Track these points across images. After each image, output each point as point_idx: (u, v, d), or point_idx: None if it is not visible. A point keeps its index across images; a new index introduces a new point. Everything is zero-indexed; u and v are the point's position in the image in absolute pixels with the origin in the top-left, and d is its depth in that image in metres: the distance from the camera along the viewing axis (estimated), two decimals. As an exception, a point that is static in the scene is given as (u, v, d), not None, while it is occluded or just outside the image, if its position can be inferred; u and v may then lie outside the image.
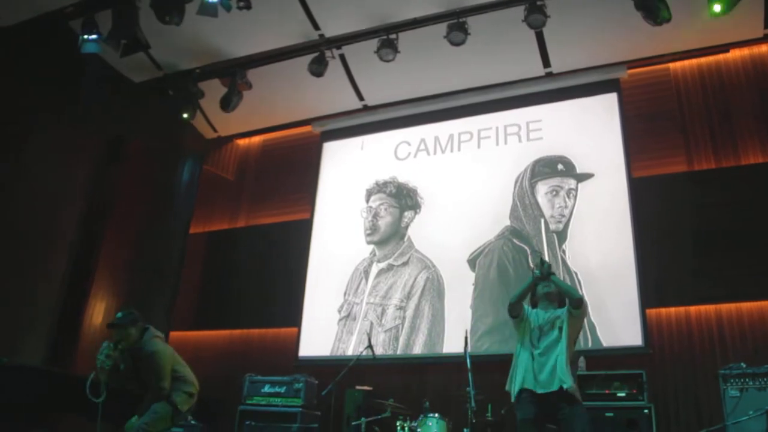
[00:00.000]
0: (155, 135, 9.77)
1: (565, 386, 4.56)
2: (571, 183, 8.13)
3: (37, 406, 6.19)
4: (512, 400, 4.85)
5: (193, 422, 7.32)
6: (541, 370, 4.70)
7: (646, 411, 6.18)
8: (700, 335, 6.98)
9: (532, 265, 7.70)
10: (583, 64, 8.54)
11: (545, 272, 5.03)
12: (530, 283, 5.09)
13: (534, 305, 5.11)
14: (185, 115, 9.22)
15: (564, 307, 4.99)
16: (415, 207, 8.99)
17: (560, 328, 4.80)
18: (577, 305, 4.86)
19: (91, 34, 7.78)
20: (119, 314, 5.44)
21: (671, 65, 8.31)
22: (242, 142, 10.88)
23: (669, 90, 8.20)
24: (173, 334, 9.44)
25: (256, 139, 10.78)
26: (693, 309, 7.12)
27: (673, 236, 7.40)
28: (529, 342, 4.87)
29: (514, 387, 4.81)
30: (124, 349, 5.37)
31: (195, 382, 5.70)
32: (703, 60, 8.21)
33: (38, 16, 8.08)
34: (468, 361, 6.10)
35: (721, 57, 8.13)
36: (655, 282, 7.29)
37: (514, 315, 5.06)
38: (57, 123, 8.37)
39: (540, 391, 4.64)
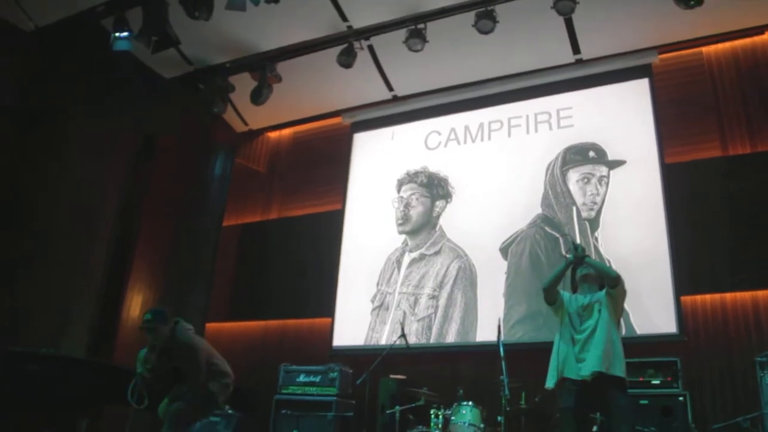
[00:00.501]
0: (187, 129, 9.88)
1: (607, 369, 4.52)
2: (603, 170, 8.07)
3: (80, 395, 6.34)
4: (547, 386, 4.83)
5: (230, 412, 7.42)
6: (582, 356, 4.66)
7: (681, 398, 6.14)
8: (735, 322, 6.89)
9: (564, 251, 7.69)
10: (614, 50, 8.44)
11: (579, 255, 5.00)
12: (563, 267, 5.06)
13: (575, 290, 5.08)
14: (216, 109, 9.31)
15: (605, 289, 4.97)
16: (447, 196, 9.00)
17: (599, 311, 4.76)
18: (613, 284, 4.83)
19: (122, 32, 7.89)
20: (147, 315, 5.52)
21: (704, 49, 8.16)
22: (273, 134, 10.95)
23: (702, 74, 8.06)
24: (209, 325, 9.58)
25: (287, 132, 10.84)
26: (728, 296, 7.02)
27: (707, 222, 7.31)
28: (570, 327, 4.84)
29: (551, 375, 4.79)
30: (160, 349, 5.47)
31: (230, 373, 5.81)
32: (738, 42, 8.03)
33: (71, 16, 8.23)
34: (501, 349, 6.11)
35: (757, 39, 7.95)
36: (690, 269, 7.20)
37: (549, 301, 5.04)
38: (92, 120, 8.52)
39: (581, 377, 4.61)
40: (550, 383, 4.82)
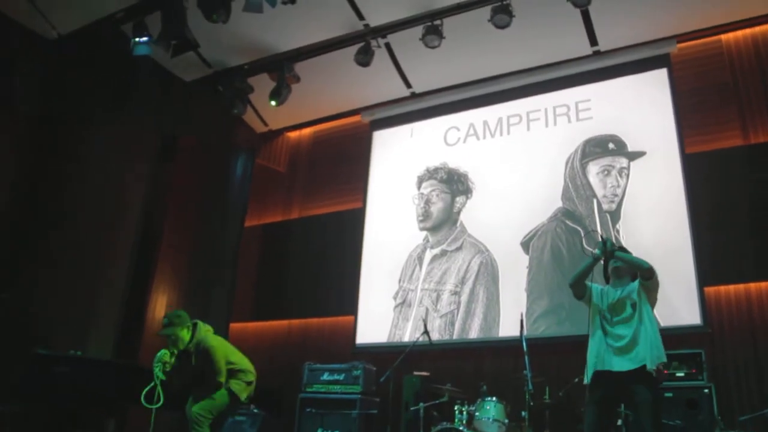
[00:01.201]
0: (208, 131, 9.96)
1: (647, 366, 4.43)
2: (623, 162, 8.02)
3: (106, 396, 6.43)
4: (585, 381, 4.76)
5: (255, 411, 7.50)
6: (618, 347, 4.55)
7: (706, 390, 6.10)
8: (760, 312, 6.80)
9: (586, 246, 7.64)
10: (631, 41, 8.38)
11: (609, 250, 4.89)
12: (589, 264, 4.94)
13: (608, 281, 5.00)
14: (236, 111, 9.38)
15: (637, 280, 4.91)
16: (467, 192, 9.00)
17: (633, 305, 4.68)
18: (648, 276, 4.72)
19: (142, 37, 7.99)
20: (165, 320, 5.55)
21: (723, 36, 8.06)
22: (293, 134, 11.01)
23: (721, 62, 7.97)
24: (233, 326, 9.66)
25: (307, 131, 10.89)
26: (753, 286, 6.94)
27: (729, 212, 7.23)
28: (601, 321, 4.74)
29: (588, 372, 4.73)
30: (179, 351, 5.50)
31: (252, 369, 5.82)
32: (758, 29, 7.92)
33: (92, 22, 8.36)
34: (524, 344, 6.11)
35: (775, 25, 7.89)
36: (713, 259, 7.13)
37: (578, 296, 4.97)
38: (114, 125, 8.61)
39: (617, 369, 4.52)
40: (587, 379, 4.76)
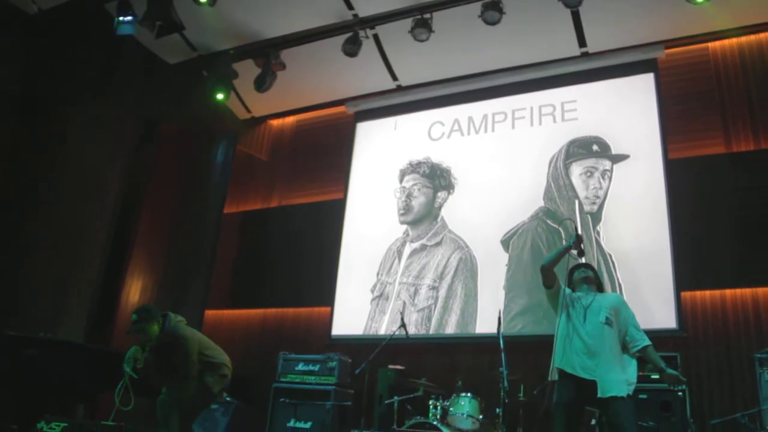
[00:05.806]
0: (190, 116, 9.84)
1: (617, 394, 4.39)
2: (606, 164, 8.05)
3: (77, 380, 6.34)
4: (551, 377, 4.74)
5: (228, 399, 7.43)
6: (588, 359, 4.52)
7: (680, 393, 6.14)
8: (735, 319, 6.89)
9: (564, 239, 7.66)
10: (620, 44, 8.40)
11: (573, 242, 4.88)
12: (562, 250, 4.93)
13: (571, 289, 4.99)
14: (219, 96, 9.27)
15: (602, 291, 4.92)
16: (449, 187, 8.98)
17: (607, 320, 4.61)
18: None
19: (126, 16, 7.84)
20: (134, 316, 5.40)
21: (710, 45, 8.11)
22: (276, 122, 10.91)
23: (708, 70, 8.02)
24: (208, 313, 9.58)
25: (290, 120, 10.80)
26: (729, 292, 7.02)
27: (709, 219, 7.30)
28: (571, 319, 4.69)
29: (554, 362, 4.70)
30: (153, 345, 5.39)
31: (227, 362, 5.70)
32: (744, 39, 8.00)
33: (75, -1, 8.22)
34: (501, 341, 6.11)
35: (762, 35, 7.92)
36: (691, 265, 7.20)
37: (547, 284, 4.91)
38: (95, 105, 8.48)
39: (582, 376, 4.50)
40: (551, 376, 4.75)
